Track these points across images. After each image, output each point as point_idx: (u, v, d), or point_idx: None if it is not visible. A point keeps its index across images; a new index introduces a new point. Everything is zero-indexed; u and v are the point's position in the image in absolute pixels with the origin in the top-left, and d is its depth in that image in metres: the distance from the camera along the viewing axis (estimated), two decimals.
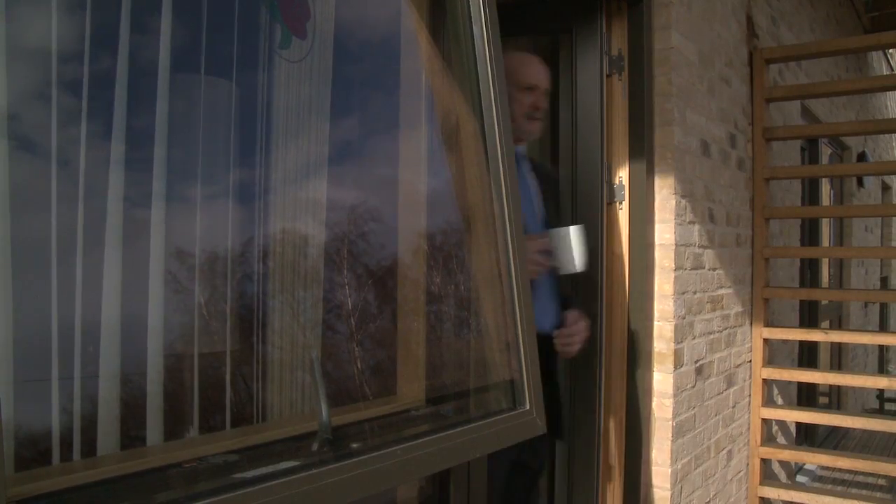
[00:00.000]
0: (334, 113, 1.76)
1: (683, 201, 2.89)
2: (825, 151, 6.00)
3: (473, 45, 1.85)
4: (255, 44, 1.55)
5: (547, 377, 2.38)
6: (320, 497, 1.24)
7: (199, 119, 1.41)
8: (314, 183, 1.69)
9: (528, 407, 1.82)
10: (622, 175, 2.78)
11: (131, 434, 1.24)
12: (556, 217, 2.53)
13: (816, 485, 4.90)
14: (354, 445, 1.52)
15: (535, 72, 2.28)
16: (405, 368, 1.98)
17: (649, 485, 2.86)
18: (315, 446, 1.45)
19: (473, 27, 1.85)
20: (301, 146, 1.68)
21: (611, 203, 2.77)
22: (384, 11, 1.97)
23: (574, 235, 2.17)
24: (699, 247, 3.05)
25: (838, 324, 6.37)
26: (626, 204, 2.77)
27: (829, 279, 6.45)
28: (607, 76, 2.78)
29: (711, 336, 3.22)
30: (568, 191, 2.75)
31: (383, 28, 1.96)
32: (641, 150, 2.77)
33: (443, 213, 2.02)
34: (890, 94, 8.90)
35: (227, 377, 1.47)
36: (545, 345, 2.32)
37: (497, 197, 1.81)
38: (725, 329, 3.40)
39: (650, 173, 2.79)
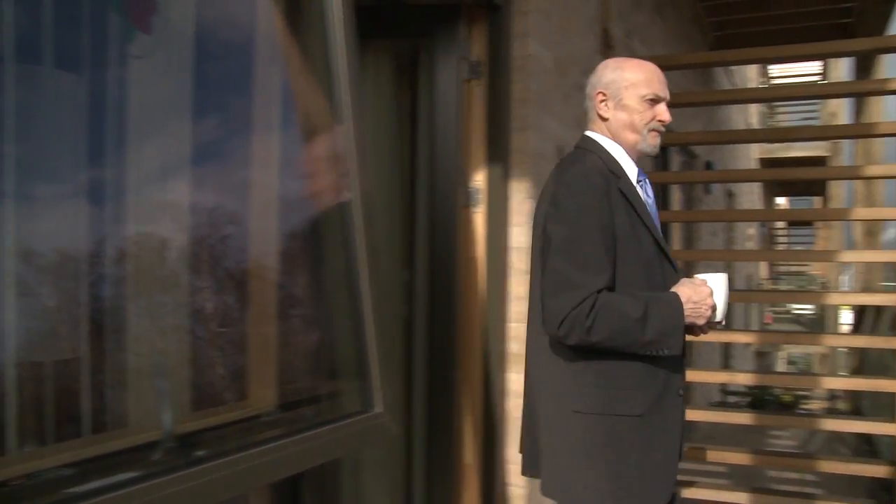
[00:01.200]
0: (183, 111, 1.71)
1: None
2: (676, 159, 6.29)
3: (329, 46, 1.84)
4: (95, 37, 1.48)
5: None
6: None
7: (33, 114, 1.34)
8: (156, 182, 1.63)
9: (379, 410, 1.82)
10: (479, 179, 2.82)
11: None
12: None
13: None
14: (200, 453, 1.48)
15: (658, 82, 2.05)
16: (257, 373, 1.95)
17: (505, 483, 2.91)
18: (158, 455, 1.40)
19: (328, 28, 1.83)
20: (146, 144, 1.61)
21: (467, 207, 2.80)
22: (238, 9, 1.93)
23: (726, 283, 2.04)
24: None
25: None
26: (482, 208, 2.81)
27: None
28: (466, 81, 2.82)
29: None
30: (424, 195, 2.77)
31: (236, 26, 1.91)
32: (498, 155, 2.82)
33: (296, 216, 1.99)
34: (734, 107, 9.45)
35: (64, 385, 1.39)
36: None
37: (350, 201, 1.81)
38: None
39: (506, 178, 2.84)
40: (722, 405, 7.81)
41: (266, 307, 1.94)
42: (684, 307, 1.91)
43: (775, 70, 14.11)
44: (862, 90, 6.52)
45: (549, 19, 3.12)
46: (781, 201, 20.68)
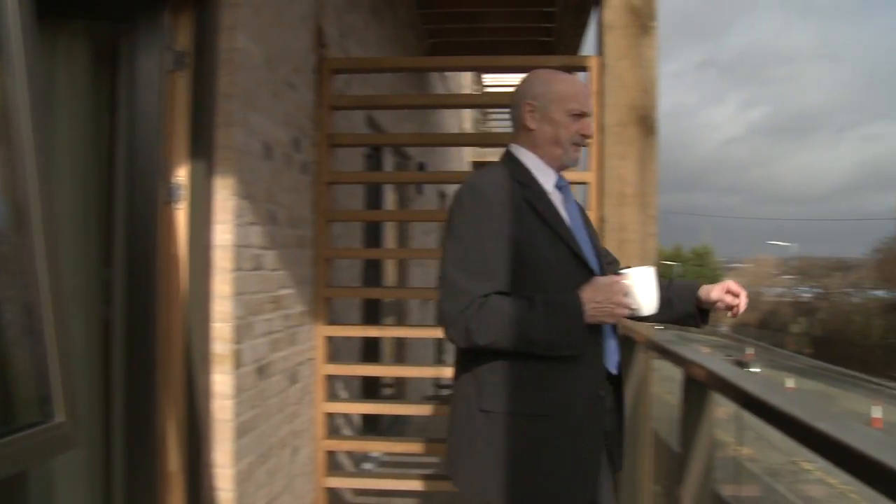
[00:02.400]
0: None
1: (243, 203, 2.89)
2: (391, 160, 6.47)
3: None
4: None
5: (619, 415, 2.17)
6: None
7: None
8: None
9: (60, 419, 1.69)
10: (181, 175, 2.72)
11: None
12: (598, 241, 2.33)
13: (381, 470, 5.26)
14: None
15: (585, 97, 2.10)
16: None
17: (212, 488, 2.83)
18: None
19: None
20: None
21: (168, 203, 2.69)
22: None
23: (651, 275, 2.04)
24: (260, 248, 3.08)
25: (401, 319, 6.92)
26: (184, 204, 2.72)
27: (398, 278, 6.97)
28: (169, 72, 2.70)
29: (273, 336, 3.28)
30: (123, 190, 2.62)
31: None
32: (202, 151, 2.73)
33: None
34: (447, 111, 9.91)
35: None
36: (616, 383, 2.15)
37: (27, 197, 1.66)
38: (288, 328, 3.49)
39: (210, 174, 2.75)
40: (436, 398, 8.15)
41: None
42: (585, 307, 1.93)
43: (488, 79, 14.98)
44: None
45: (260, 14, 3.07)
46: None
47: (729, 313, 2.23)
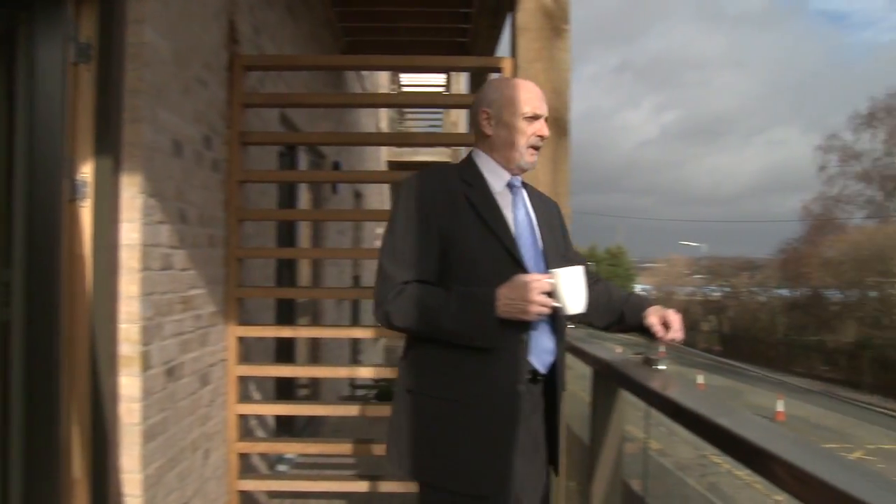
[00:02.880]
0: None
1: (152, 201, 2.83)
2: (305, 159, 6.41)
3: None
4: None
5: (552, 413, 2.23)
6: None
7: None
8: None
9: None
10: (86, 171, 2.63)
11: None
12: (564, 244, 2.38)
13: (295, 472, 5.22)
14: None
15: (537, 100, 2.18)
16: None
17: (120, 494, 2.76)
18: None
19: None
20: None
21: (73, 201, 2.60)
22: None
23: (578, 276, 2.04)
24: (169, 247, 3.01)
25: (316, 320, 6.86)
26: (89, 202, 2.63)
27: (312, 278, 6.91)
28: (73, 64, 2.61)
29: (183, 336, 3.21)
30: (23, 187, 2.52)
31: None
32: (108, 147, 2.65)
33: None
34: (363, 110, 9.88)
35: None
36: (550, 383, 2.19)
37: None
38: (199, 329, 3.42)
39: (117, 171, 2.68)
40: (352, 399, 8.12)
41: None
42: (498, 302, 1.99)
43: (405, 78, 14.97)
44: (469, 102, 7.17)
45: (169, 8, 3.00)
46: None
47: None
